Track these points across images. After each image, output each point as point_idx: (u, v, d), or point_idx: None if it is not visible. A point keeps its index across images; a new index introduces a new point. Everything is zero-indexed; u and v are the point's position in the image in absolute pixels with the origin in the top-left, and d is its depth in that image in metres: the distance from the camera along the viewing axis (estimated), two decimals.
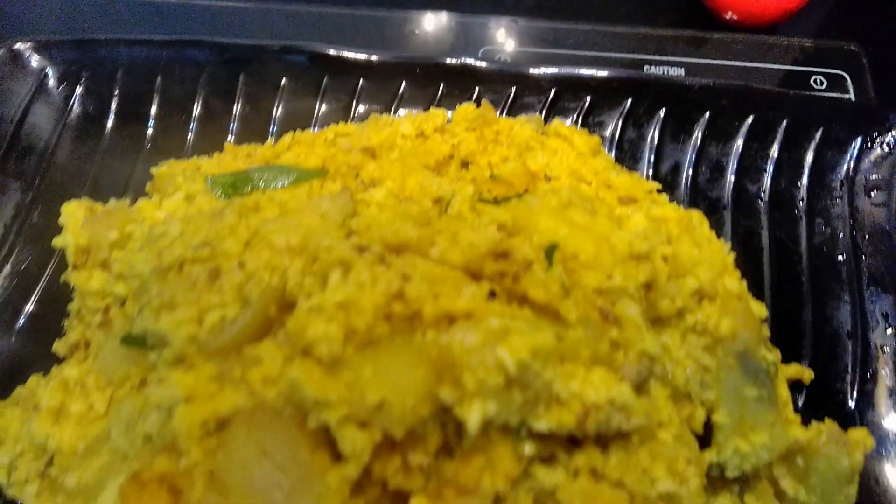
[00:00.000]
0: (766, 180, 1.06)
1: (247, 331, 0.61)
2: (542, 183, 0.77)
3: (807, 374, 0.91)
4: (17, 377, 0.88)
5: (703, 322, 0.70)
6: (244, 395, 0.58)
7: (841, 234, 1.03)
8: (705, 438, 0.76)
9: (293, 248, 0.64)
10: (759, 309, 0.76)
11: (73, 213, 0.83)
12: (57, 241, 0.83)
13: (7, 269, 0.99)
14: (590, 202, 0.70)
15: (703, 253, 0.72)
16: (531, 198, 0.69)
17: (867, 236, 1.02)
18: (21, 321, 0.96)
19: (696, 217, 0.78)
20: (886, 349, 0.95)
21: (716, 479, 0.80)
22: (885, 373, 0.94)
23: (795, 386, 0.94)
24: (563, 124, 0.90)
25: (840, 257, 1.01)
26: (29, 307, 0.96)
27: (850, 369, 0.95)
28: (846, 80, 1.45)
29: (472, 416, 0.53)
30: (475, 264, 0.64)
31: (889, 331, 0.96)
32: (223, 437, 0.57)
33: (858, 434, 0.74)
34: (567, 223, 0.67)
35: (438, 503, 0.57)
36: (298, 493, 0.55)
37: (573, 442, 0.63)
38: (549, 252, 0.65)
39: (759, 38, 1.49)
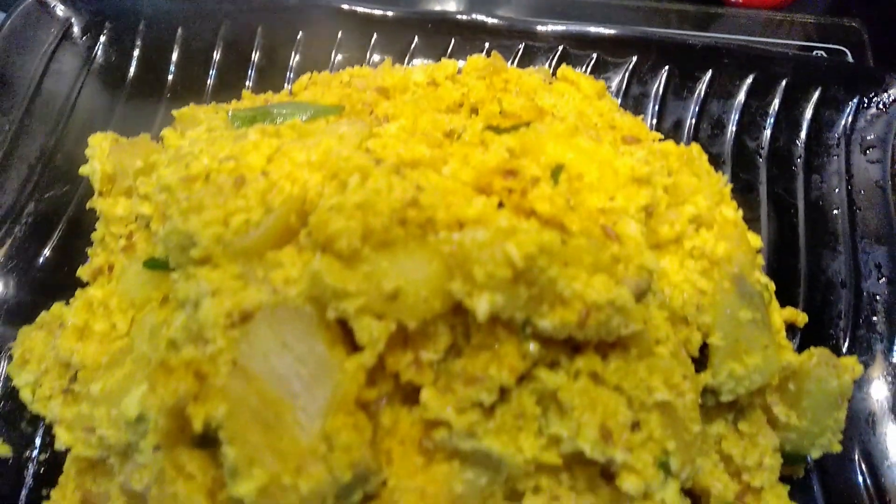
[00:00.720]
0: (766, 137, 1.09)
1: (269, 235, 0.64)
2: (550, 118, 0.81)
3: (801, 318, 0.95)
4: (40, 306, 0.92)
5: (700, 247, 0.74)
6: (266, 293, 0.61)
7: (837, 190, 1.06)
8: (701, 364, 0.80)
9: (313, 164, 0.67)
10: (755, 239, 0.80)
11: (100, 143, 0.87)
12: (84, 170, 0.87)
13: (31, 206, 1.03)
14: (595, 131, 0.73)
15: (701, 182, 0.75)
16: (539, 125, 0.72)
17: (862, 191, 1.05)
18: (44, 255, 1.00)
19: (696, 150, 0.82)
20: (879, 297, 0.99)
21: (711, 408, 0.84)
22: (876, 319, 0.98)
23: (790, 330, 0.97)
24: (571, 69, 0.93)
25: (835, 211, 1.05)
26: (52, 242, 1.00)
27: (842, 315, 0.99)
28: (846, 54, 1.48)
29: (481, 305, 0.56)
30: (484, 181, 0.68)
31: (882, 280, 1.00)
32: (246, 328, 0.60)
33: (848, 360, 0.78)
34: (573, 148, 0.71)
35: (447, 395, 0.61)
36: (317, 381, 0.59)
37: (575, 349, 0.67)
38: (556, 172, 0.69)
39: (763, 14, 1.53)
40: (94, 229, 0.93)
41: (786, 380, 0.79)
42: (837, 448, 0.82)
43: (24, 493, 0.86)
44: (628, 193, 0.70)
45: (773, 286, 0.82)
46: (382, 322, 0.58)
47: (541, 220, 0.65)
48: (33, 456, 0.89)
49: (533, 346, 0.62)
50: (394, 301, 0.57)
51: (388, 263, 0.58)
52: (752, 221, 1.04)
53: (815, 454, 0.81)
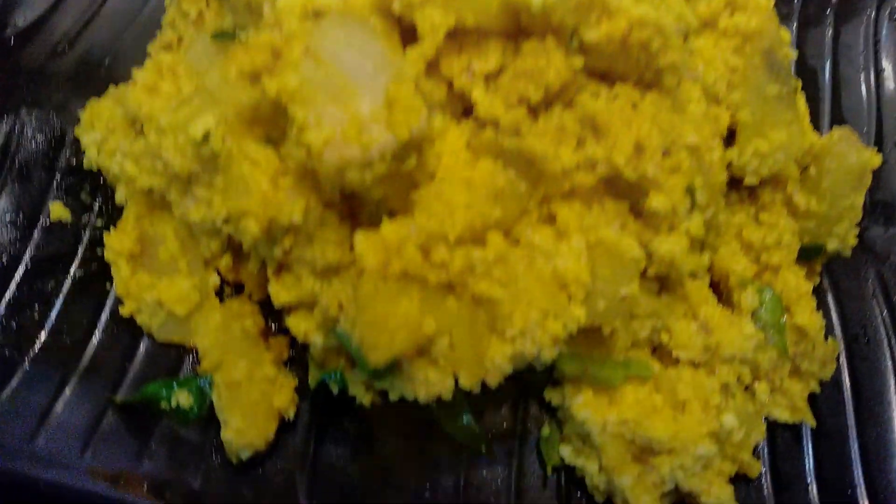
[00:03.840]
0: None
1: None
2: None
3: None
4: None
5: (733, 26, 0.79)
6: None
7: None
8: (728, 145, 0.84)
9: None
10: (785, 33, 0.85)
11: None
12: None
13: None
14: None
15: None
16: None
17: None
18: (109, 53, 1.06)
19: None
20: None
21: (734, 202, 0.89)
22: None
23: None
24: None
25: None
26: (121, 40, 1.06)
27: None
28: None
29: None
30: None
31: None
32: (318, 23, 0.66)
33: (870, 149, 0.82)
34: None
35: (497, 94, 0.66)
36: (380, 72, 0.64)
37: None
38: None
39: None
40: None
41: (808, 168, 0.83)
42: (853, 242, 0.86)
43: (80, 250, 0.92)
44: None
45: (799, 82, 0.86)
46: (443, 12, 0.63)
47: None
48: (91, 221, 0.94)
49: (577, 61, 0.67)
50: None
51: None
52: None
53: (831, 245, 0.85)
